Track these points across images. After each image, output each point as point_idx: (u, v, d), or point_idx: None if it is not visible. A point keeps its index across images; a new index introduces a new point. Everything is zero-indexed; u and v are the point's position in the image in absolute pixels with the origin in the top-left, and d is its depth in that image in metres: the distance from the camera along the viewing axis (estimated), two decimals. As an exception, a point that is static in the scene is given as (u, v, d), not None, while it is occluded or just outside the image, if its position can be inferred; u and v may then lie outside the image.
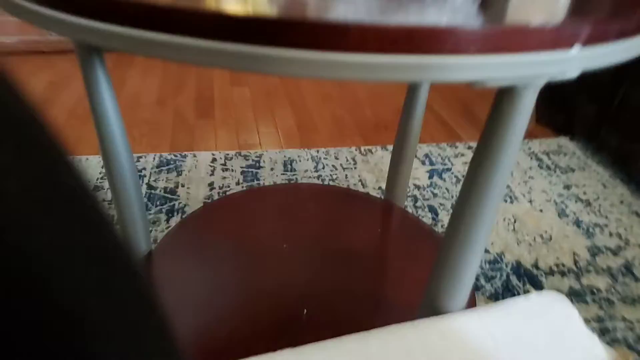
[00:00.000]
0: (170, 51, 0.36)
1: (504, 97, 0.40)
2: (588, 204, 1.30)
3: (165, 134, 1.51)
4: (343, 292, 0.85)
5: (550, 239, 1.16)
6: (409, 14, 0.37)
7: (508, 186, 1.36)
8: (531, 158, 1.50)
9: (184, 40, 0.36)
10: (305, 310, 0.83)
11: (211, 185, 1.28)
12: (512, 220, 1.22)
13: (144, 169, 1.34)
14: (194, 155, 1.40)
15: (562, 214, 1.25)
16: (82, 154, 1.36)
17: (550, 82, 0.39)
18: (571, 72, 0.39)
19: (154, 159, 1.38)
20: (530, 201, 1.29)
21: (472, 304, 0.57)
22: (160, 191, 1.25)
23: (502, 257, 1.10)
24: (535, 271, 1.06)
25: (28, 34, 1.93)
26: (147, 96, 1.74)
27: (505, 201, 1.29)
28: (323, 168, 1.38)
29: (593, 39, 0.38)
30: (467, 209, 0.50)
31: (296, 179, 1.33)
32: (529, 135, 1.64)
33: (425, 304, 0.58)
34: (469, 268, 0.54)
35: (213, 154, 1.41)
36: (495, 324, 0.51)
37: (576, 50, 0.37)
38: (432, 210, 1.23)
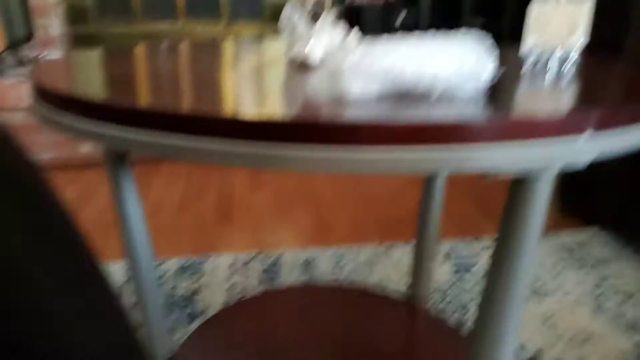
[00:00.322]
0: (195, 154, 0.38)
1: (518, 186, 0.40)
2: (629, 296, 1.23)
3: (186, 237, 1.53)
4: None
5: (593, 334, 1.09)
6: (419, 110, 0.38)
7: (538, 280, 1.30)
8: (560, 251, 1.46)
9: (208, 143, 0.38)
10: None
11: (231, 287, 1.26)
12: (547, 316, 1.15)
13: (166, 273, 1.33)
14: (214, 259, 1.40)
15: (600, 308, 1.18)
16: (107, 259, 1.38)
17: (565, 171, 0.39)
18: (584, 158, 0.39)
19: (175, 263, 1.38)
20: (565, 295, 1.23)
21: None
22: (181, 295, 1.23)
23: (542, 355, 1.02)
24: (579, 371, 0.98)
25: (60, 151, 2.06)
26: (169, 202, 1.79)
27: (537, 297, 1.23)
28: (343, 267, 1.36)
29: (604, 125, 0.39)
30: (491, 305, 0.48)
31: (316, 279, 1.31)
32: (555, 226, 1.61)
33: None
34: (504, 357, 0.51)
35: (232, 257, 1.41)
36: None
37: (587, 138, 0.38)
38: (461, 306, 1.18)
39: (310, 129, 0.35)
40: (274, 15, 2.30)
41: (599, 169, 1.53)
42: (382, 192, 1.89)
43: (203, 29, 2.27)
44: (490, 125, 0.36)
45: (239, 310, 1.02)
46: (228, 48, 0.84)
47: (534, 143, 0.37)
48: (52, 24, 1.98)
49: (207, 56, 0.74)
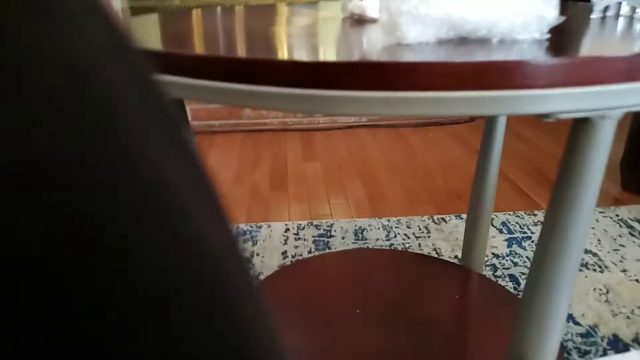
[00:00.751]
0: (255, 99, 0.40)
1: (580, 129, 0.39)
2: (693, 274, 1.17)
3: (242, 206, 1.59)
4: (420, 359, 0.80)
5: (652, 311, 1.05)
6: (479, 53, 0.38)
7: (596, 254, 1.26)
8: (620, 225, 1.40)
9: (266, 88, 0.40)
10: (380, 379, 0.79)
11: (284, 254, 1.30)
12: (605, 290, 1.12)
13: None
14: (269, 226, 1.45)
15: (663, 284, 1.13)
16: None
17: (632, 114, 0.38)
18: (650, 104, 0.38)
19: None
20: (624, 270, 1.19)
21: (564, 363, 0.52)
22: (235, 259, 1.29)
23: (597, 330, 1.00)
24: (637, 346, 0.95)
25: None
26: (225, 173, 1.85)
27: (595, 270, 1.19)
28: (395, 237, 1.37)
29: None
30: (546, 258, 0.48)
31: (368, 247, 1.32)
32: (615, 202, 1.54)
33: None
34: (554, 324, 0.50)
35: (286, 225, 1.45)
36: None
37: (653, 82, 0.37)
38: (513, 279, 1.17)
39: (368, 70, 0.36)
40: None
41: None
42: (436, 164, 1.87)
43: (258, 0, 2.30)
44: (551, 66, 0.35)
45: (294, 272, 1.06)
46: (284, 9, 0.86)
47: (596, 87, 0.36)
48: (115, -1, 2.07)
49: (263, 17, 0.76)
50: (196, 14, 0.84)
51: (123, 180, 0.11)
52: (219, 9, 0.96)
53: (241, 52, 0.48)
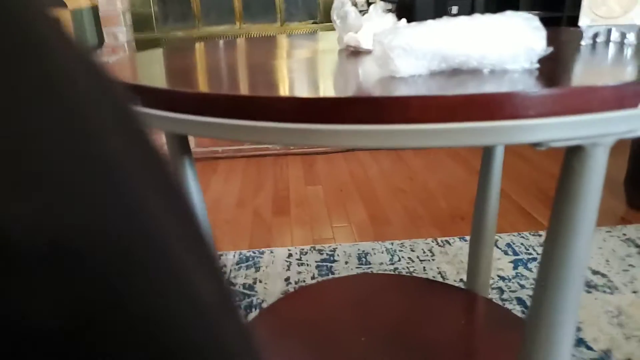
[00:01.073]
0: (255, 134, 0.41)
1: (573, 156, 0.40)
2: (702, 292, 1.15)
3: (245, 232, 1.59)
4: (426, 387, 0.79)
5: (662, 333, 1.03)
6: (471, 85, 0.39)
7: (605, 275, 1.25)
8: (628, 245, 1.39)
9: (265, 124, 0.40)
10: (386, 408, 0.77)
11: (287, 280, 1.29)
12: (616, 313, 1.10)
13: (224, 266, 1.39)
14: (271, 252, 1.44)
15: (672, 304, 1.12)
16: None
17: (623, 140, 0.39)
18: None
19: (234, 256, 1.43)
20: (635, 292, 1.17)
21: (570, 391, 0.51)
22: (239, 287, 1.28)
23: (610, 355, 0.98)
24: (649, 369, 0.93)
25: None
26: (228, 199, 1.85)
27: (604, 292, 1.18)
28: (399, 260, 1.36)
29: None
30: (548, 282, 0.48)
31: (371, 271, 1.32)
32: (622, 220, 1.53)
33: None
34: (560, 348, 0.50)
35: (289, 250, 1.45)
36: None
37: (643, 109, 0.37)
38: (521, 302, 1.15)
39: (362, 105, 0.37)
40: (328, 16, 2.34)
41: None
42: (438, 185, 1.87)
43: (259, 29, 2.34)
44: (541, 97, 0.36)
45: (297, 299, 1.05)
46: (283, 41, 0.88)
47: (587, 115, 0.37)
48: (120, 31, 2.11)
49: (263, 50, 0.77)
50: (199, 47, 0.86)
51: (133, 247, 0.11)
52: (221, 42, 0.98)
53: (241, 88, 0.49)
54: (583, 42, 0.56)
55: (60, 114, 0.11)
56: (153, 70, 0.63)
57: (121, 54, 2.13)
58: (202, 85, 0.50)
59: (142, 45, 2.25)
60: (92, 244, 0.11)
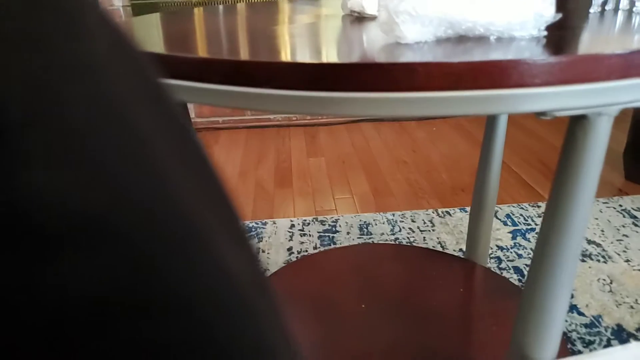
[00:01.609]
0: (255, 102, 0.41)
1: (576, 125, 0.40)
2: (698, 263, 1.17)
3: (247, 203, 1.60)
4: (425, 352, 0.82)
5: (656, 301, 1.05)
6: (485, 51, 0.39)
7: (600, 245, 1.26)
8: (624, 216, 1.40)
9: (267, 91, 0.40)
10: (386, 372, 0.80)
11: (290, 250, 1.31)
12: (608, 280, 1.12)
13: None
14: (274, 222, 1.46)
15: (667, 274, 1.13)
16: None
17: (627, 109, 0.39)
18: (646, 99, 0.38)
19: (236, 225, 1.45)
20: (627, 260, 1.19)
21: (563, 354, 0.53)
22: (241, 255, 1.30)
23: (600, 320, 1.00)
24: (642, 337, 0.96)
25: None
26: (230, 170, 1.86)
27: (598, 260, 1.20)
28: (400, 231, 1.38)
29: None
30: (547, 251, 0.49)
31: (372, 242, 1.33)
32: (619, 192, 1.54)
33: (511, 355, 0.55)
34: (555, 315, 0.51)
35: (291, 221, 1.46)
36: (593, 375, 0.47)
37: (649, 77, 0.37)
38: (518, 271, 1.17)
39: (366, 72, 0.37)
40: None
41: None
42: (441, 157, 1.87)
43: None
44: (548, 65, 0.36)
45: (299, 268, 1.07)
46: (284, 6, 0.86)
47: (593, 84, 0.36)
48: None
49: (264, 15, 0.76)
50: (198, 12, 0.85)
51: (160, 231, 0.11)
52: (220, 7, 0.97)
53: (242, 54, 0.49)
54: (592, 10, 0.55)
55: (91, 87, 0.11)
56: (150, 36, 0.62)
57: (117, 18, 2.10)
58: (201, 51, 0.50)
59: (138, 9, 2.22)
60: (125, 217, 0.11)
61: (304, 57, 0.45)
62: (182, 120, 0.15)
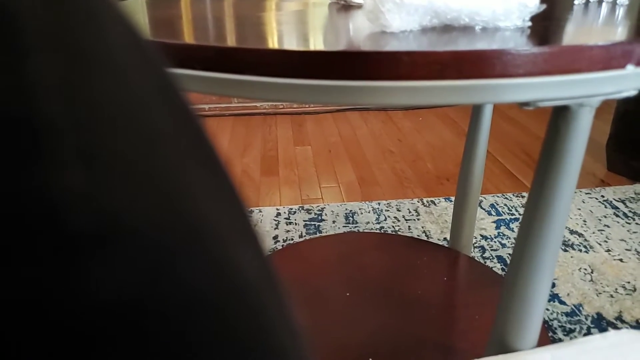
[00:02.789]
0: (240, 89, 0.41)
1: (559, 116, 0.40)
2: (675, 253, 1.20)
3: (233, 191, 1.59)
4: (409, 340, 0.83)
5: (635, 289, 1.07)
6: (464, 42, 0.39)
7: (582, 235, 1.29)
8: (605, 206, 1.42)
9: (252, 78, 0.40)
10: (370, 359, 0.81)
11: (275, 238, 1.31)
12: (589, 270, 1.14)
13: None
14: (260, 211, 1.46)
15: (645, 264, 1.16)
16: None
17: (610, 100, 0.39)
18: (627, 91, 0.39)
19: (222, 214, 1.44)
20: (608, 250, 1.21)
21: (544, 342, 0.54)
22: (227, 244, 1.29)
23: (581, 309, 1.02)
24: (620, 324, 0.98)
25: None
26: (216, 157, 1.84)
27: (580, 250, 1.22)
28: (385, 220, 1.38)
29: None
30: (528, 240, 0.49)
31: (358, 230, 1.34)
32: (601, 183, 1.56)
33: (492, 342, 0.56)
34: (536, 303, 0.52)
35: (277, 209, 1.46)
36: (571, 362, 0.48)
37: (630, 69, 0.38)
38: (501, 260, 1.19)
39: (350, 60, 0.37)
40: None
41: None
42: (426, 147, 1.88)
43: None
44: (531, 55, 0.36)
45: (285, 256, 1.07)
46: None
47: (575, 75, 0.37)
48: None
49: (252, 1, 0.75)
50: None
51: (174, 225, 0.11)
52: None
53: (228, 40, 0.48)
54: (576, 1, 0.55)
55: (115, 88, 0.11)
56: (135, 21, 0.61)
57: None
58: (187, 37, 0.49)
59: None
60: (147, 218, 0.11)
61: (290, 44, 0.45)
62: (196, 117, 0.15)
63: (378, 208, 1.45)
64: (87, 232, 0.09)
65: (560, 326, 0.98)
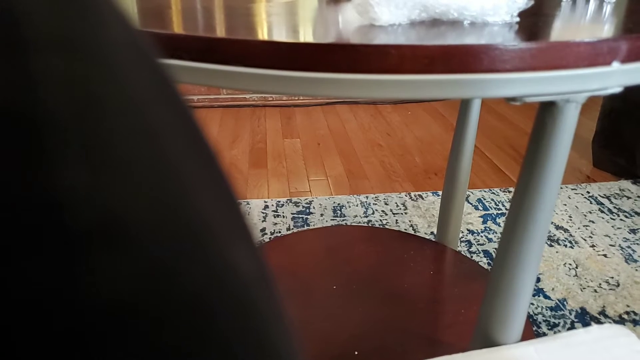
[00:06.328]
0: (227, 80, 0.40)
1: (545, 111, 0.40)
2: (657, 248, 1.22)
3: (221, 183, 1.58)
4: (395, 333, 0.83)
5: (618, 285, 1.09)
6: (452, 36, 0.39)
7: (567, 230, 1.30)
8: (590, 202, 1.44)
9: (240, 69, 0.40)
10: (356, 352, 0.81)
11: (263, 231, 1.31)
12: (574, 265, 1.16)
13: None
14: (247, 203, 1.45)
15: (629, 259, 1.18)
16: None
17: (595, 96, 0.39)
18: (613, 88, 0.39)
19: (210, 206, 1.44)
20: (593, 246, 1.23)
21: (528, 336, 0.54)
22: (214, 236, 1.29)
23: (565, 303, 1.04)
24: (603, 319, 0.99)
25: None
26: (204, 149, 1.83)
27: (565, 245, 1.23)
28: (373, 213, 1.39)
29: (633, 55, 0.39)
30: (514, 235, 0.50)
31: (346, 224, 1.34)
32: (587, 179, 1.58)
33: (477, 336, 0.57)
34: (520, 298, 0.53)
35: (265, 202, 1.46)
36: (552, 356, 0.48)
37: (616, 66, 0.38)
38: (487, 255, 1.20)
39: (339, 53, 0.36)
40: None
41: (634, 124, 1.48)
42: (415, 141, 1.88)
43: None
44: (519, 51, 0.36)
45: (272, 249, 1.07)
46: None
47: (562, 71, 0.37)
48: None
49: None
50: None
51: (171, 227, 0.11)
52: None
53: (217, 31, 0.48)
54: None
55: (117, 86, 0.11)
56: (130, 16, 0.60)
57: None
58: (176, 27, 0.49)
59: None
60: (146, 218, 0.11)
61: (279, 36, 0.45)
62: (192, 114, 0.15)
63: (366, 201, 1.45)
64: (88, 232, 0.09)
65: (544, 320, 0.99)
